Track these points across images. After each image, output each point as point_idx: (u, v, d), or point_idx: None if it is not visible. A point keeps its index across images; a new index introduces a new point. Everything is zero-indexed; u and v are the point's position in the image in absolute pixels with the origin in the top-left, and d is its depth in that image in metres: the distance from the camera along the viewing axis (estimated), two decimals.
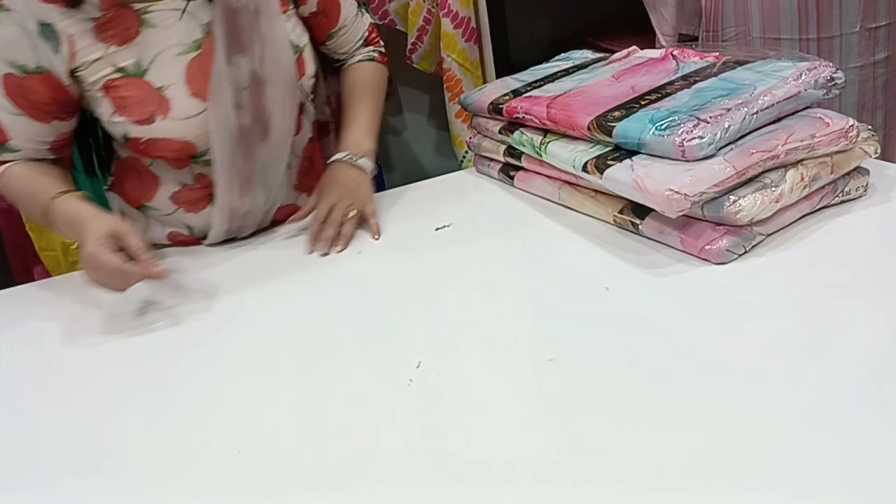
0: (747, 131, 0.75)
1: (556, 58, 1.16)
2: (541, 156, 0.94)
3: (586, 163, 0.83)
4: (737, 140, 0.75)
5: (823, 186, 0.79)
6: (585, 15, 2.01)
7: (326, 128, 1.20)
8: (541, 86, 1.01)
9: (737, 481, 0.48)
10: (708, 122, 0.73)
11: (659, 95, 0.85)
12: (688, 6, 1.53)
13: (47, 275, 1.50)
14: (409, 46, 1.84)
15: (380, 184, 1.94)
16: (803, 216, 0.79)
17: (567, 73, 1.05)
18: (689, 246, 0.75)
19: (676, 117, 0.76)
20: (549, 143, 0.92)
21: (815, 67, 0.80)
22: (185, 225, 1.02)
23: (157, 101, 0.89)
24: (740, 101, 0.76)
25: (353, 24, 1.09)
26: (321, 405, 0.63)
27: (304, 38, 1.01)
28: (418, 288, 0.82)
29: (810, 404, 0.54)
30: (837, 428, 0.51)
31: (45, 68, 0.87)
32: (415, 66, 1.87)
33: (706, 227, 0.74)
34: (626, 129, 0.79)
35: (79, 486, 0.59)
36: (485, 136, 1.10)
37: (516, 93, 1.00)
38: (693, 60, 0.94)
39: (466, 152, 1.88)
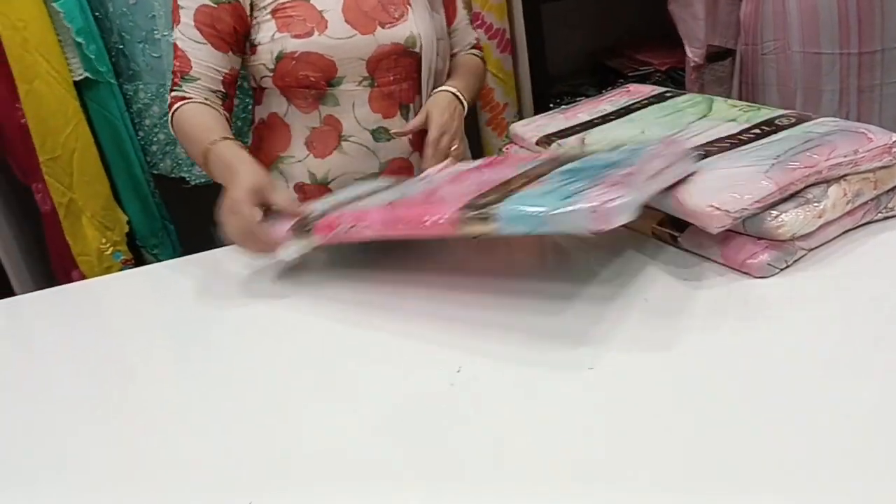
0: (661, 188, 0.69)
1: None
2: None
3: None
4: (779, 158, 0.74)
5: (866, 202, 0.78)
6: (621, 27, 2.02)
7: None
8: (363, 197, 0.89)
9: (770, 495, 0.48)
10: (616, 185, 0.62)
11: (526, 179, 0.71)
12: (720, 18, 1.53)
13: (83, 279, 1.54)
14: None
15: None
16: (846, 231, 0.78)
17: (377, 191, 0.94)
18: (729, 259, 0.75)
19: (577, 185, 0.63)
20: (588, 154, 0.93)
21: (672, 143, 0.80)
22: (310, 172, 1.13)
23: (317, 19, 1.05)
24: (635, 168, 0.67)
25: (465, 29, 1.26)
26: (353, 401, 0.64)
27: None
28: (448, 293, 0.82)
29: (850, 421, 0.53)
30: (878, 445, 0.51)
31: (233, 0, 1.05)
32: None
33: (747, 241, 0.74)
34: (512, 211, 0.63)
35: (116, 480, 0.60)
36: (521, 146, 1.10)
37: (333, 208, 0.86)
38: (529, 158, 0.87)
39: None
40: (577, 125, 1.06)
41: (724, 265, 0.76)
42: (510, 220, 0.63)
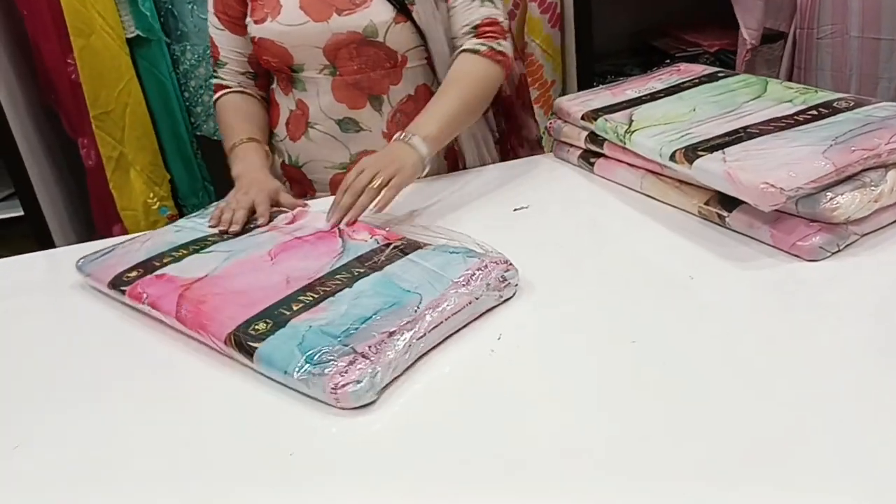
0: (414, 358, 0.64)
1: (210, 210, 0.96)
2: (625, 144, 0.93)
3: (675, 152, 0.83)
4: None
5: None
6: (669, 6, 1.97)
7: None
8: (198, 249, 0.85)
9: (807, 477, 0.48)
10: (366, 358, 0.61)
11: (315, 296, 0.70)
12: (777, 1, 1.49)
13: (125, 233, 1.57)
14: None
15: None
16: None
17: (222, 238, 0.88)
18: (779, 241, 0.74)
19: (329, 348, 0.62)
20: (634, 131, 0.92)
21: (486, 266, 0.71)
22: (288, 153, 1.14)
23: (273, 5, 1.04)
24: (404, 322, 0.64)
25: (464, 8, 1.07)
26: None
27: None
28: None
29: (892, 411, 0.53)
30: None
31: None
32: None
33: (799, 223, 0.73)
34: (271, 354, 0.63)
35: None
36: (566, 121, 1.09)
37: (148, 268, 0.81)
38: (362, 238, 0.82)
39: (541, 137, 1.87)
40: (625, 101, 1.04)
41: (773, 247, 0.75)
42: (265, 363, 0.63)
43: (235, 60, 1.13)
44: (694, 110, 0.94)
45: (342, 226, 0.87)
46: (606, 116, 0.99)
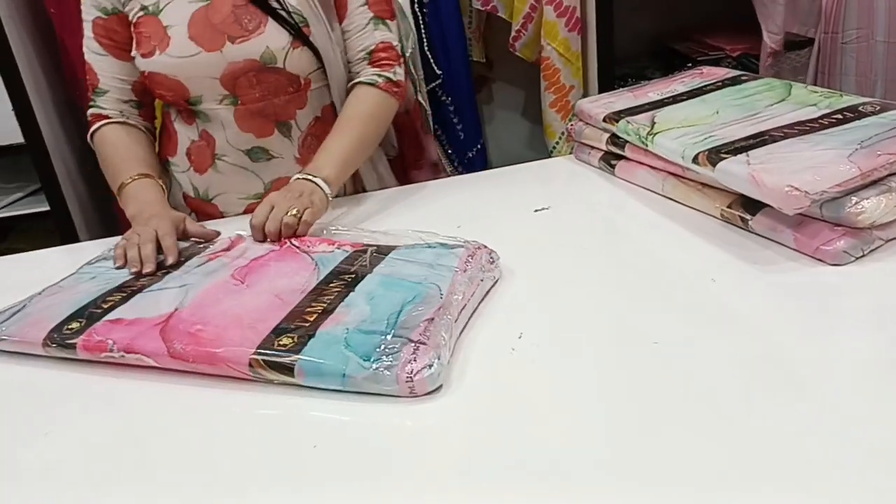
0: (455, 341, 0.65)
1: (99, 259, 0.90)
2: (647, 146, 0.93)
3: (697, 154, 0.82)
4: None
5: None
6: (691, 10, 1.97)
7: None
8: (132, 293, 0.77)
9: (828, 483, 0.47)
10: (424, 344, 0.61)
11: (324, 305, 0.68)
12: (802, 5, 1.48)
13: None
14: (512, 34, 1.83)
15: (481, 163, 1.97)
16: None
17: (165, 272, 0.82)
18: (803, 245, 0.74)
19: (383, 343, 0.61)
20: (657, 133, 0.92)
21: (473, 253, 0.75)
22: (192, 185, 1.10)
23: (160, 37, 0.99)
24: (437, 308, 0.65)
25: (358, 32, 1.07)
26: None
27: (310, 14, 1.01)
28: (515, 262, 0.83)
29: None
30: None
31: (119, 9, 1.02)
32: (517, 53, 1.86)
33: (823, 227, 0.73)
34: (317, 364, 0.60)
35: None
36: (587, 123, 1.10)
37: (90, 316, 0.72)
38: (322, 250, 0.81)
39: (557, 142, 1.87)
40: (647, 104, 1.04)
41: (796, 251, 0.75)
42: (312, 374, 0.61)
43: (118, 88, 1.05)
44: (717, 113, 0.94)
45: (292, 241, 0.85)
46: (628, 118, 0.99)
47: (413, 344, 0.61)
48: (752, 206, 0.79)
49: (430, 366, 0.59)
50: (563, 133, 1.84)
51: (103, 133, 1.05)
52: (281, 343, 0.63)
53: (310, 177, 0.94)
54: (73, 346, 0.69)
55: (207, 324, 0.67)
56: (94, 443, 0.60)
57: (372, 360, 0.60)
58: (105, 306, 0.74)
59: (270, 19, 0.99)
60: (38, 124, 1.63)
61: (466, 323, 0.69)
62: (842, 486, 0.47)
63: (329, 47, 1.03)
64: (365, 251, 0.80)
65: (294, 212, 0.87)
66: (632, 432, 0.54)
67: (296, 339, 0.63)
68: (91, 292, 0.78)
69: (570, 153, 1.16)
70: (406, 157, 1.38)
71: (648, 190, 0.96)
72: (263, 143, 1.05)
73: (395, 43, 1.09)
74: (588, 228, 0.92)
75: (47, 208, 1.70)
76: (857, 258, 0.72)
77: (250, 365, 0.62)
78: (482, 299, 0.74)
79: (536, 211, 0.96)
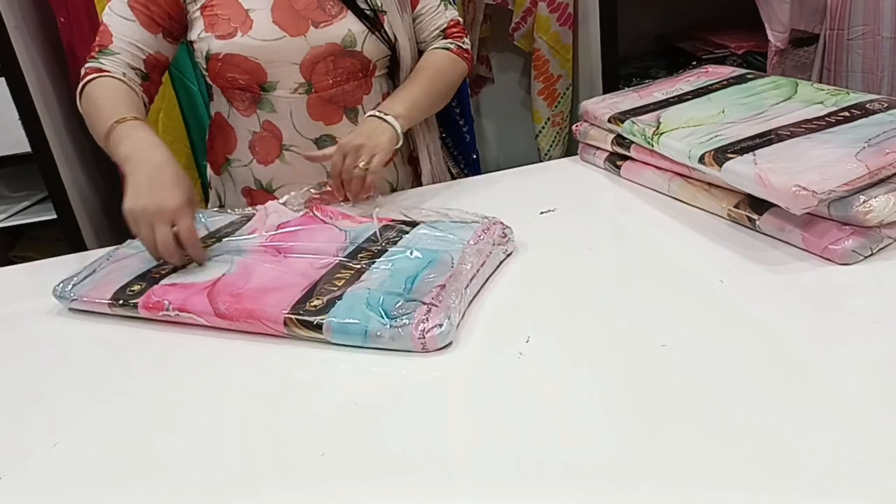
0: (465, 307, 0.71)
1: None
2: (652, 146, 0.93)
3: (704, 154, 0.82)
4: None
5: None
6: (696, 8, 1.96)
7: None
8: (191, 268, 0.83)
9: (837, 485, 0.47)
10: (435, 306, 0.67)
11: (351, 272, 0.76)
12: (808, 2, 1.47)
13: None
14: (512, 24, 1.95)
15: (477, 165, 1.98)
16: None
17: (214, 237, 0.89)
18: (811, 244, 0.73)
19: (399, 304, 0.68)
20: (662, 133, 0.91)
21: (488, 228, 0.82)
22: (255, 178, 1.10)
23: (242, 19, 0.98)
24: (448, 275, 0.72)
25: (432, 13, 1.13)
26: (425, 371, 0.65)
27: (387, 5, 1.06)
28: (522, 264, 0.82)
29: None
30: None
31: None
32: (515, 42, 1.99)
33: (831, 226, 0.72)
34: (342, 322, 0.68)
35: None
36: (592, 124, 1.09)
37: (149, 280, 0.80)
38: (350, 224, 0.88)
39: (543, 126, 2.00)
40: (652, 104, 1.04)
41: (804, 250, 0.74)
42: (338, 332, 0.68)
43: (131, 54, 1.00)
44: (723, 112, 0.93)
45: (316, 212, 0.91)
46: (634, 118, 0.98)
47: (426, 306, 0.68)
48: (759, 205, 0.79)
49: (441, 325, 0.66)
50: (548, 118, 1.98)
51: (97, 82, 0.97)
52: (312, 304, 0.71)
53: (381, 114, 0.99)
54: (135, 306, 0.77)
55: (249, 288, 0.76)
56: (170, 398, 0.67)
57: (390, 318, 0.67)
58: (163, 272, 0.82)
59: (349, 7, 1.03)
60: (45, 134, 1.64)
61: (478, 292, 0.75)
62: (853, 487, 0.47)
63: (402, 34, 1.07)
64: (393, 226, 0.87)
65: (362, 163, 0.94)
66: (639, 434, 0.54)
67: (325, 301, 0.71)
68: (150, 260, 0.86)
69: (555, 138, 1.16)
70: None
71: (654, 190, 0.96)
72: (332, 131, 1.06)
73: (461, 20, 1.17)
74: (594, 230, 0.92)
75: (54, 216, 1.71)
76: (866, 257, 0.71)
77: (285, 323, 0.70)
78: (495, 269, 0.80)
79: (542, 213, 0.95)
